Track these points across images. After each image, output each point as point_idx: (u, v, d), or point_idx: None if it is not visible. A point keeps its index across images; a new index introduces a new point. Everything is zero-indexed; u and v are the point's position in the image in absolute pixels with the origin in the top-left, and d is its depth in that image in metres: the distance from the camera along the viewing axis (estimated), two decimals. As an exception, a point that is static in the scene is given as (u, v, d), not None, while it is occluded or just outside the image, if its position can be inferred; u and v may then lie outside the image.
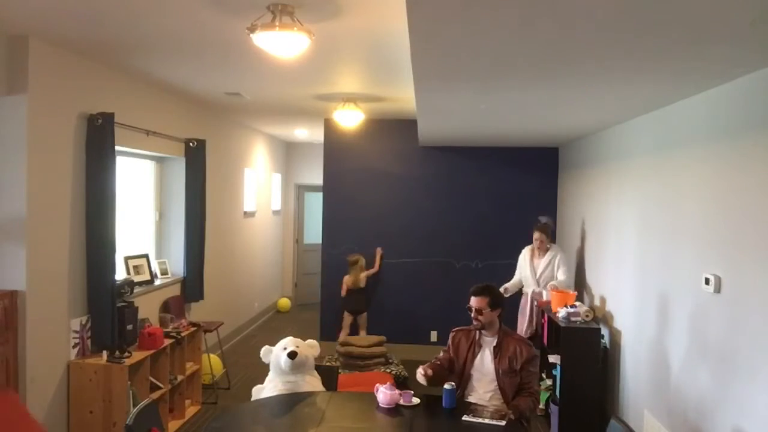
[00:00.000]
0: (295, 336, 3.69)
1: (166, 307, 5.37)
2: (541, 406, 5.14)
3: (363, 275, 6.61)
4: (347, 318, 6.62)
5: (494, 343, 3.41)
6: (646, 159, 4.18)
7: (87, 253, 4.16)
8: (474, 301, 3.40)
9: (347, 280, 6.60)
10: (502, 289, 5.01)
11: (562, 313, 4.72)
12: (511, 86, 3.36)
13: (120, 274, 4.61)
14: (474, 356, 3.43)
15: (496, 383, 3.34)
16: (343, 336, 6.40)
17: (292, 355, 3.44)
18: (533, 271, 5.58)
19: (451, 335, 3.61)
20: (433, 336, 6.92)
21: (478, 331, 3.46)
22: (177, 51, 3.87)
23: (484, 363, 3.40)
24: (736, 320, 2.94)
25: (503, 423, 2.92)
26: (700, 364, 3.31)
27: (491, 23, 2.20)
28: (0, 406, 3.25)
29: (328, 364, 5.25)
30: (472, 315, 3.42)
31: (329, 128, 6.98)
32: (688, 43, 2.39)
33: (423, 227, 6.84)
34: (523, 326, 5.62)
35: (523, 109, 4.17)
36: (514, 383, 3.32)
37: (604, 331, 4.82)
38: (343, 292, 6.61)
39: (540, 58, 2.71)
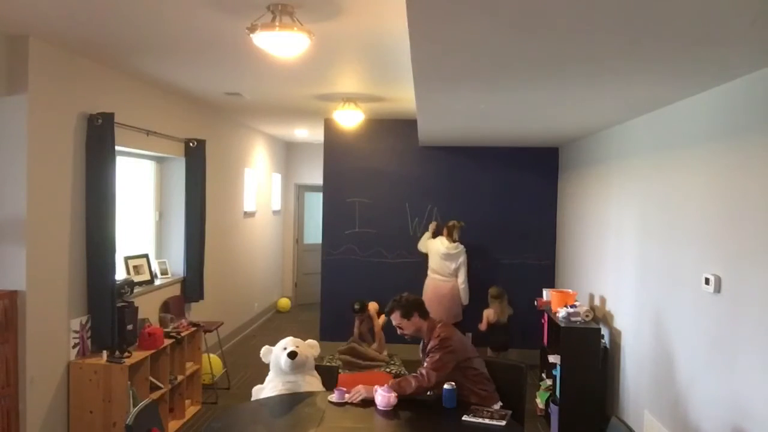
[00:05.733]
0: (295, 336, 3.69)
1: (166, 307, 5.37)
2: (541, 406, 5.14)
3: (508, 309, 5.85)
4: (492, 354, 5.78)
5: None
6: (646, 159, 4.18)
7: (87, 253, 4.16)
8: (392, 320, 3.48)
9: (490, 313, 5.87)
10: None
11: (562, 313, 4.72)
12: (511, 86, 3.36)
13: (120, 274, 4.61)
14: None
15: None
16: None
17: (292, 355, 3.44)
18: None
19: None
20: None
21: (422, 341, 3.50)
22: (177, 51, 3.87)
23: None
24: (736, 320, 2.94)
25: (503, 423, 2.92)
26: (700, 364, 3.31)
27: (491, 23, 2.20)
28: None
29: (328, 364, 5.25)
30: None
31: (329, 128, 6.98)
32: (687, 44, 2.39)
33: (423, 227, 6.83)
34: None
35: (523, 109, 4.17)
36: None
37: (604, 331, 4.82)
38: (484, 326, 5.85)
39: (540, 59, 2.71)
